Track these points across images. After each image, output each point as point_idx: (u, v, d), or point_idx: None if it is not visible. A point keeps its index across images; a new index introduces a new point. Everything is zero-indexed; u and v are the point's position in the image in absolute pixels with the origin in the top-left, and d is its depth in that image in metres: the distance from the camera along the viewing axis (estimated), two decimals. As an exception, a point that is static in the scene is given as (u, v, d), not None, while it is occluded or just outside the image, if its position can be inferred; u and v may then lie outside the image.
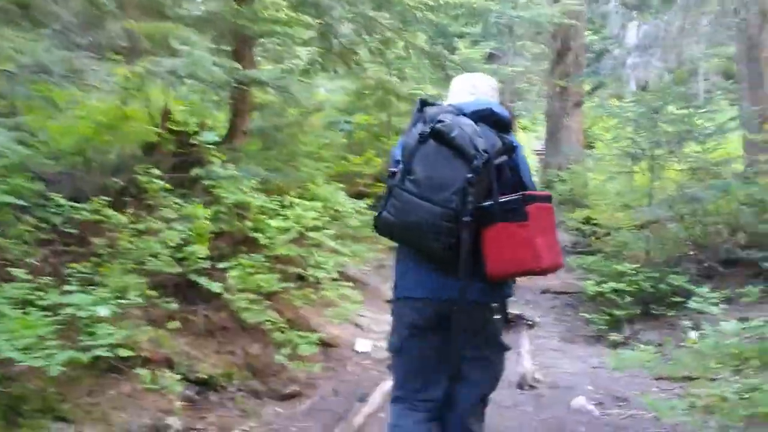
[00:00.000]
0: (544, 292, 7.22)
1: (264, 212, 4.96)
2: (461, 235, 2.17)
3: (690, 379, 4.59)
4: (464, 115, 2.34)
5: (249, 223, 4.84)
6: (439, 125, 2.24)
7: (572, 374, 4.92)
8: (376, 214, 2.31)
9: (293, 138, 7.15)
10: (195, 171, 4.87)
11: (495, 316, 2.37)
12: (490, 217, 2.22)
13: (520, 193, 2.26)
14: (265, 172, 5.41)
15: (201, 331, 4.77)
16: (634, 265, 5.85)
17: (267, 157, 6.48)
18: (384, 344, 5.39)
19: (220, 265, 4.24)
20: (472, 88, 2.60)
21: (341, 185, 6.03)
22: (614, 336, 5.53)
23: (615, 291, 5.72)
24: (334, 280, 5.44)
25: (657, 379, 4.68)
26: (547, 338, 5.83)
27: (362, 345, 5.22)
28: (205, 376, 4.19)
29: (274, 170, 5.65)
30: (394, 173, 2.30)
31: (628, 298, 5.66)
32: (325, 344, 5.14)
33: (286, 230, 4.64)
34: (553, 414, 4.20)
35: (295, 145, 6.53)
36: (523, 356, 5.16)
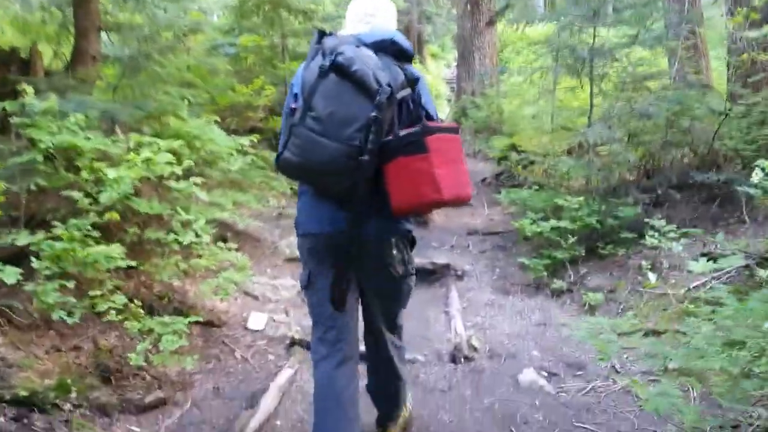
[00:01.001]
0: (471, 233, 6.24)
1: (107, 158, 3.69)
2: (360, 172, 2.12)
3: (656, 333, 3.85)
4: (365, 45, 2.23)
5: (85, 175, 3.57)
6: (339, 58, 2.14)
7: (514, 336, 4.04)
8: (277, 154, 2.23)
9: (159, 64, 5.76)
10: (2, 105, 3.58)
11: (393, 251, 2.34)
12: (390, 153, 2.16)
13: (420, 125, 2.19)
14: (110, 104, 4.09)
15: (33, 323, 3.56)
16: (576, 198, 4.96)
17: (123, 86, 5.11)
18: (284, 316, 4.34)
19: (24, 241, 2.96)
20: (368, 17, 2.44)
21: (215, 117, 4.75)
22: (557, 283, 4.67)
23: (555, 229, 4.82)
24: (222, 241, 4.33)
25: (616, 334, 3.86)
26: (479, 290, 4.91)
27: (255, 321, 4.12)
28: (26, 393, 3.01)
29: (124, 101, 4.32)
30: (293, 110, 2.22)
31: (571, 238, 4.78)
32: (207, 324, 4.02)
33: (134, 180, 3.40)
34: (498, 396, 3.32)
35: (157, 69, 5.15)
36: (455, 318, 4.23)
